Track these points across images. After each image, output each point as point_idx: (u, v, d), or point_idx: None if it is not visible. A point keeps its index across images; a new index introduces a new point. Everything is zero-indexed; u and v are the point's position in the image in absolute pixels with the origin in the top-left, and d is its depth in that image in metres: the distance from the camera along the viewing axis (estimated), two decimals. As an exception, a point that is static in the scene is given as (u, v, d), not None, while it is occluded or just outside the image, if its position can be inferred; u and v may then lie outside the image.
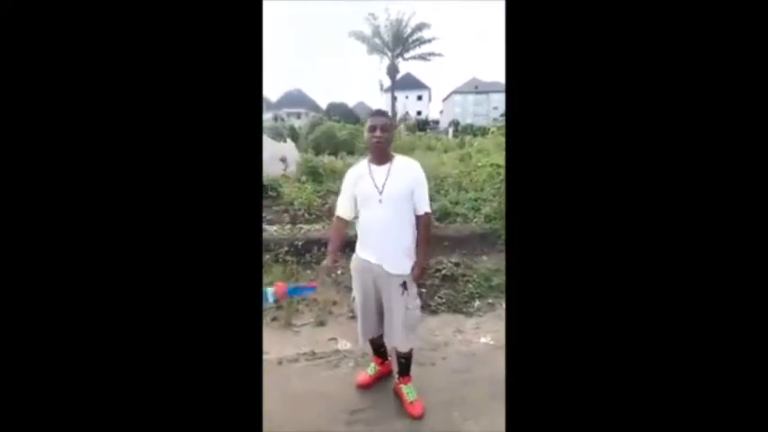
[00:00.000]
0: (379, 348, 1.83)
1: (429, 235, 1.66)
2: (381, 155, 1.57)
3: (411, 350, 1.71)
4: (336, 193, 1.81)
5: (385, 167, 1.57)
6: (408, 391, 1.72)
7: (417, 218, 1.59)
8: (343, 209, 1.67)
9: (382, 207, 1.53)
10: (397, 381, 1.78)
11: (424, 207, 1.59)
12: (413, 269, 1.59)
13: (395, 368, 1.81)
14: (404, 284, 1.59)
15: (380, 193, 1.53)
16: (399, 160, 1.61)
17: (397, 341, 1.65)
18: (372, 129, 1.54)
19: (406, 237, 1.59)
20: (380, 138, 1.53)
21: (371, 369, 1.86)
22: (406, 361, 1.73)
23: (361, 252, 1.63)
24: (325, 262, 1.70)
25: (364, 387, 1.82)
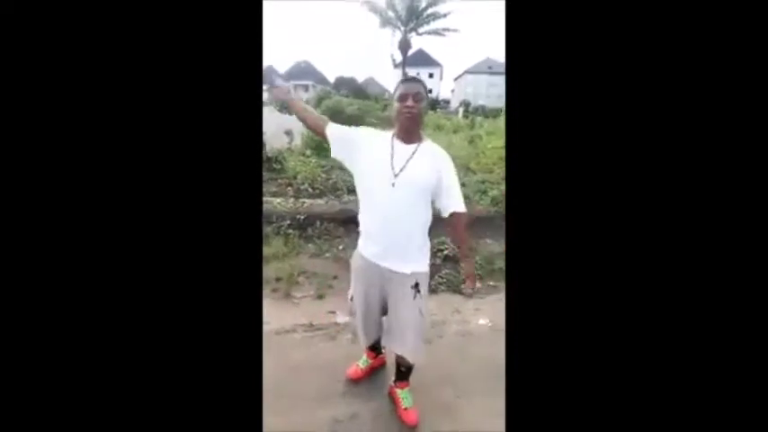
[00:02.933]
0: (372, 344, 1.63)
1: (468, 238, 1.46)
2: (411, 130, 1.29)
3: None
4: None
5: (411, 147, 1.28)
6: (404, 396, 1.55)
7: (449, 217, 1.34)
8: (336, 127, 1.39)
9: (395, 192, 1.25)
10: (393, 384, 1.60)
11: (458, 205, 1.33)
12: (467, 277, 1.43)
13: (390, 365, 1.67)
14: (416, 286, 1.34)
15: (396, 175, 1.24)
16: (429, 144, 1.33)
17: (408, 351, 1.41)
18: (403, 97, 1.25)
19: (421, 231, 1.34)
20: (413, 108, 1.24)
21: (363, 362, 1.74)
22: (407, 370, 1.53)
23: (366, 249, 1.38)
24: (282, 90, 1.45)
25: (355, 381, 1.69)
